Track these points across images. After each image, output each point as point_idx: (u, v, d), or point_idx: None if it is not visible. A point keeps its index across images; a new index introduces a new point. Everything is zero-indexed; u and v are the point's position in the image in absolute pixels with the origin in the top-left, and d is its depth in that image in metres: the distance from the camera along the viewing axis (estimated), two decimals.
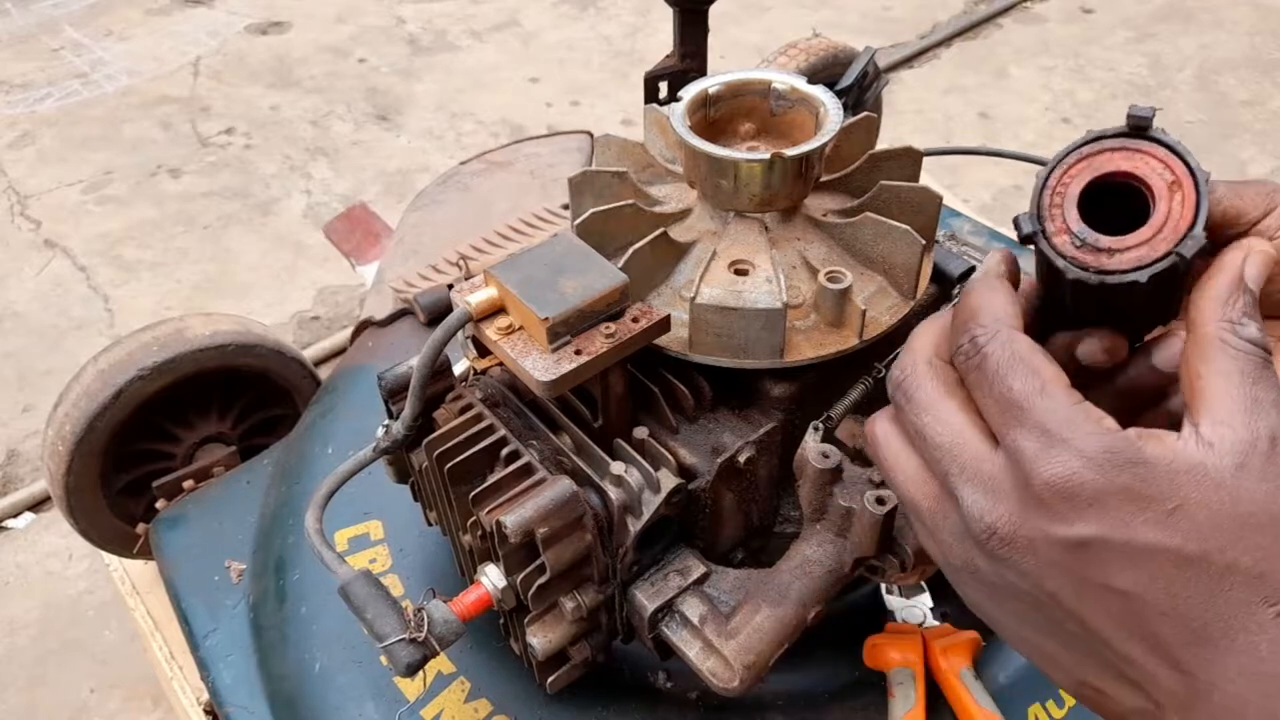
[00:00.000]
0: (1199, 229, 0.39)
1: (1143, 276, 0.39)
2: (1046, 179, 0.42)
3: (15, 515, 1.94)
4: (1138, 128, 0.41)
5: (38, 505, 1.96)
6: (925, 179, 0.77)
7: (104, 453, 1.20)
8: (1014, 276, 0.47)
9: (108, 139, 3.02)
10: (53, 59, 3.43)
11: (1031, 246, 0.42)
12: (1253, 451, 0.38)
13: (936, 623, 0.89)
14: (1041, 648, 0.44)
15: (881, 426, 0.49)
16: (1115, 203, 0.41)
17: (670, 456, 0.67)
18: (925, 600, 0.91)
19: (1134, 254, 0.39)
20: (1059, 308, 0.45)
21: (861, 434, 0.56)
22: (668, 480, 0.65)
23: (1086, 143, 0.42)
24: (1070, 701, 0.87)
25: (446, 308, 1.06)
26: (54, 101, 3.20)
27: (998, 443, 0.42)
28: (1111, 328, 0.43)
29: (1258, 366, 0.40)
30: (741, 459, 0.67)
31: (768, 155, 0.64)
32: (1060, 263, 0.41)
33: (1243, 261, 0.41)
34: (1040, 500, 0.40)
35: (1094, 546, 0.39)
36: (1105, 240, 0.40)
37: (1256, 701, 0.38)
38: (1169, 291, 0.43)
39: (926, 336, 0.49)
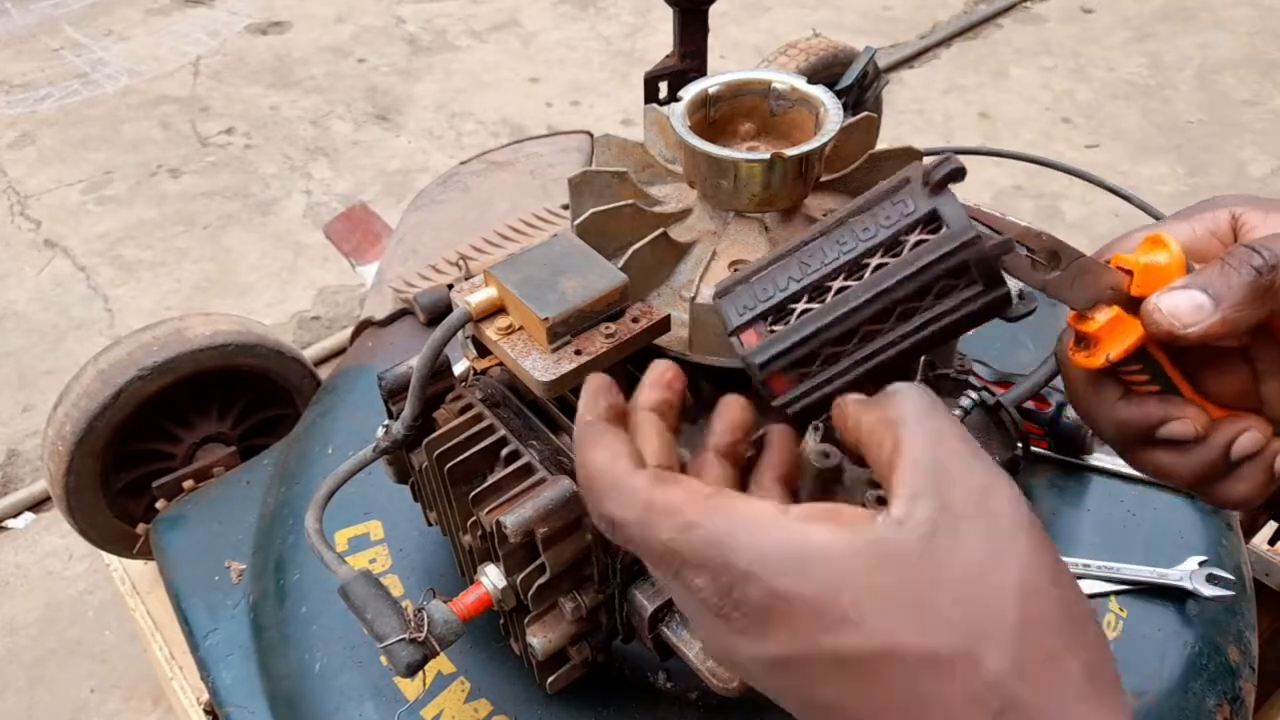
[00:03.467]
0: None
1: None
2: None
3: (15, 515, 1.94)
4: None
5: (38, 505, 1.96)
6: None
7: (104, 453, 1.20)
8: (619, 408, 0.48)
9: (108, 139, 3.02)
10: (53, 59, 3.43)
11: None
12: (946, 513, 0.35)
13: None
14: None
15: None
16: None
17: None
18: None
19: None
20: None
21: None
22: None
23: None
24: None
25: (446, 308, 1.06)
26: (54, 101, 3.20)
27: None
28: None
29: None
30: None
31: (768, 155, 0.64)
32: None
33: None
34: (729, 622, 0.37)
35: (788, 663, 0.36)
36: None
37: None
38: None
39: (623, 463, 0.43)
